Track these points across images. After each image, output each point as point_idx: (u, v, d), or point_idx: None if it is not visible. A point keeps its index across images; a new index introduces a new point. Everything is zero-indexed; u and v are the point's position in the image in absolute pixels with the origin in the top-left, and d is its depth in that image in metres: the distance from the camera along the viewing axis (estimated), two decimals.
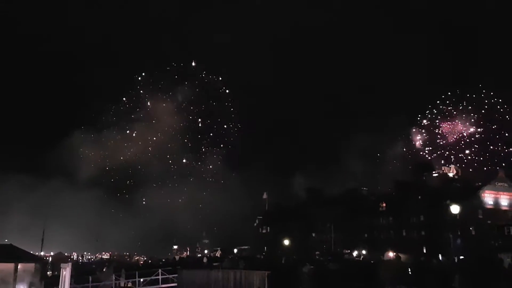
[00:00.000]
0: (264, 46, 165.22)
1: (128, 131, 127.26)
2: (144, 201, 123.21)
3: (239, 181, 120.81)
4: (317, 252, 54.92)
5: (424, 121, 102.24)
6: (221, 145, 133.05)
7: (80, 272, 34.42)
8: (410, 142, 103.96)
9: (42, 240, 58.75)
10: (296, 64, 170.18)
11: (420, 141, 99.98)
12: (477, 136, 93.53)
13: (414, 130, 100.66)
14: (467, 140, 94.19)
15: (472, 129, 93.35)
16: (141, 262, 69.15)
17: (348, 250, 56.90)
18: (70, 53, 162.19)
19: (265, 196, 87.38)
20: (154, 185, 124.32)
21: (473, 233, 54.17)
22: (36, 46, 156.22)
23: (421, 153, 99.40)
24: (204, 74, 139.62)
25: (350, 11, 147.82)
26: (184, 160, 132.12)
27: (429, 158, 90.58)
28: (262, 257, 50.64)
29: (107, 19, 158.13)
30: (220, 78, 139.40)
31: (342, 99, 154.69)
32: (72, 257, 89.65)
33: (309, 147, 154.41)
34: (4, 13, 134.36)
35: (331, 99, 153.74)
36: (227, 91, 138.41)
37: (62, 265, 23.77)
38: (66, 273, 22.52)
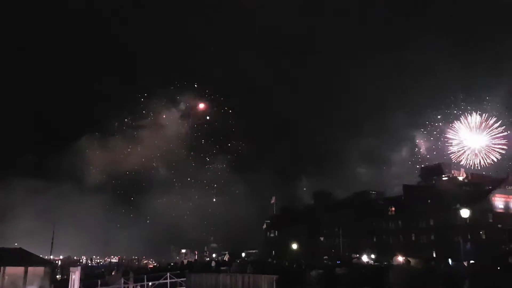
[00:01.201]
0: (265, 46, 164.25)
1: (129, 149, 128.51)
2: (148, 219, 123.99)
3: (246, 186, 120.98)
4: (325, 257, 54.75)
5: (426, 129, 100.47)
6: (224, 165, 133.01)
7: (89, 276, 34.63)
8: (416, 147, 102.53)
9: (52, 243, 59.15)
10: (298, 65, 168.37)
11: (425, 147, 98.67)
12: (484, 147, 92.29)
13: (418, 140, 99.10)
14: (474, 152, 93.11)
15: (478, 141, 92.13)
16: (150, 266, 69.35)
17: (357, 254, 56.54)
18: (78, 59, 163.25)
19: (273, 200, 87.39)
20: (159, 200, 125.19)
21: (483, 237, 53.55)
22: (44, 49, 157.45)
23: (426, 158, 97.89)
24: (207, 92, 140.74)
25: (349, 13, 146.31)
26: (188, 179, 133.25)
27: (435, 163, 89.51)
28: (274, 261, 50.55)
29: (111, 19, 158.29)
30: (222, 98, 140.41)
31: (344, 101, 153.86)
32: (81, 260, 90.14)
33: (315, 150, 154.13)
34: (18, 15, 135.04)
35: (333, 101, 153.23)
36: (230, 110, 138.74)
37: (71, 268, 23.91)
38: (75, 276, 22.65)
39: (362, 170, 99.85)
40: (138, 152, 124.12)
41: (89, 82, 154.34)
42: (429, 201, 62.02)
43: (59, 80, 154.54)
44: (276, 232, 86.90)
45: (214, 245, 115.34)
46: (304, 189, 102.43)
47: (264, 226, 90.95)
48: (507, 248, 48.06)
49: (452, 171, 72.83)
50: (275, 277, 19.88)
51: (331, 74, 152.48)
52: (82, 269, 27.39)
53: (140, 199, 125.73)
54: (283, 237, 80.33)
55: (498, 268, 18.50)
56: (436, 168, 73.26)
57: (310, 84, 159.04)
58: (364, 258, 52.02)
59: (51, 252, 60.67)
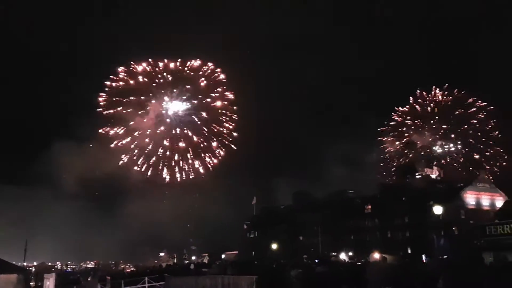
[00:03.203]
0: (241, 49, 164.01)
1: (105, 154, 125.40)
2: (125, 224, 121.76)
3: (225, 187, 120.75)
4: (304, 256, 55.08)
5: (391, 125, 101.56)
6: (202, 165, 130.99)
7: (64, 282, 33.80)
8: (384, 147, 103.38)
9: (25, 250, 57.52)
10: (275, 68, 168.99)
11: (391, 147, 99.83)
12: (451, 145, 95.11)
13: (385, 138, 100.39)
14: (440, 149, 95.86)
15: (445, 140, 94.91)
16: (128, 271, 68.26)
17: (334, 252, 57.21)
18: (53, 63, 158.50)
19: (254, 201, 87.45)
20: (135, 204, 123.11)
21: (456, 233, 55.15)
22: (21, 57, 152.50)
23: (394, 159, 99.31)
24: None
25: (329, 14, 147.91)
26: (166, 181, 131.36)
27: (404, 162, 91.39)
28: (255, 261, 50.51)
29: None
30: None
31: (319, 102, 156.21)
32: (56, 266, 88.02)
33: (293, 151, 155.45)
34: None
35: (309, 102, 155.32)
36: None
37: (45, 275, 23.44)
38: (49, 283, 22.18)
39: (338, 170, 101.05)
40: (113, 156, 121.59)
41: (63, 88, 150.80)
42: (403, 198, 63.46)
43: (33, 86, 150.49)
44: (256, 232, 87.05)
45: (193, 247, 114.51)
46: (283, 189, 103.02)
47: (244, 227, 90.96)
48: (478, 244, 49.53)
49: (425, 169, 74.77)
50: (254, 277, 19.97)
51: (319, 75, 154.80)
52: (56, 275, 26.81)
53: (115, 203, 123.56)
54: (263, 237, 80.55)
55: (471, 263, 19.10)
56: (410, 167, 75.03)
57: (288, 85, 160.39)
58: (342, 256, 52.64)
59: (24, 258, 59.05)
